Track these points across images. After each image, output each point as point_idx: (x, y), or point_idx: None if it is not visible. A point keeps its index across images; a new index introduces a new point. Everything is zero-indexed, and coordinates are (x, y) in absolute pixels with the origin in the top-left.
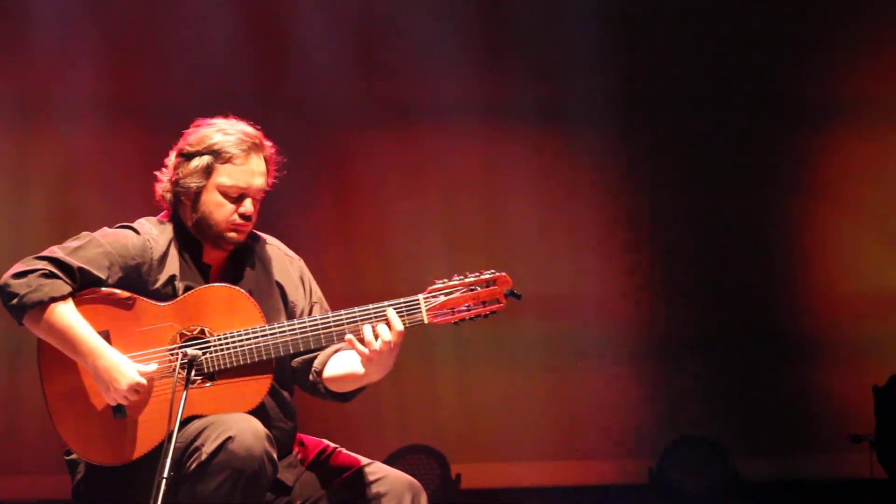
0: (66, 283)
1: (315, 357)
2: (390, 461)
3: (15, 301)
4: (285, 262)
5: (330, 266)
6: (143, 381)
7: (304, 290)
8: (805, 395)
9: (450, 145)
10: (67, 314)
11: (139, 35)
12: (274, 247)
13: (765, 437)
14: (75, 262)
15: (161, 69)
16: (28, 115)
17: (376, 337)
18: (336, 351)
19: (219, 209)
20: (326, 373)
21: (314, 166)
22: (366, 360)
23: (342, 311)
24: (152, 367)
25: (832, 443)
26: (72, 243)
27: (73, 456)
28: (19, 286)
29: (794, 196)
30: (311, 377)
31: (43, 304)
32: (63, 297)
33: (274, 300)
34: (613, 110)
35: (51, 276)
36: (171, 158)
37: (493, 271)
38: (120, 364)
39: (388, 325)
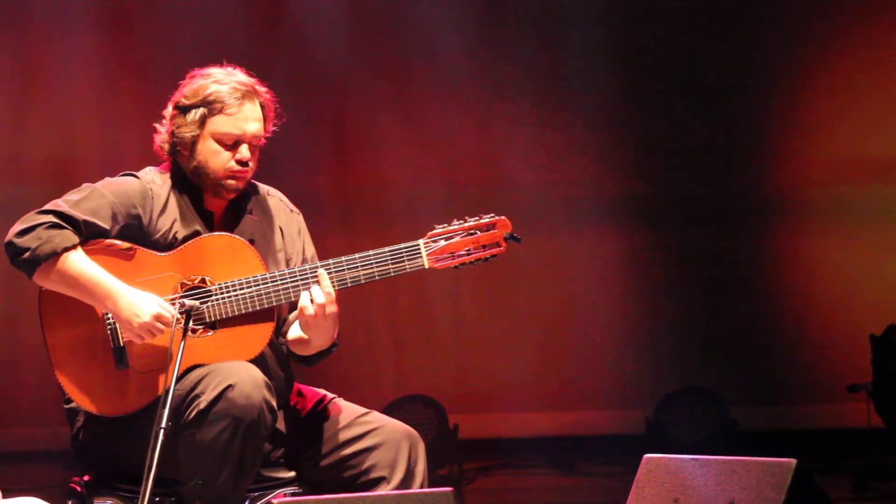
0: (74, 233)
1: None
2: (388, 411)
3: (27, 255)
4: (287, 213)
5: (327, 218)
6: (164, 312)
7: (300, 244)
8: (802, 344)
9: (447, 94)
10: (80, 261)
11: None
12: (276, 198)
13: (762, 388)
14: (80, 214)
15: (158, 22)
16: (25, 69)
17: (311, 302)
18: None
19: (215, 157)
20: (290, 335)
21: (312, 118)
22: (304, 325)
23: (342, 258)
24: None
25: (830, 392)
26: (73, 196)
27: (73, 404)
28: (28, 241)
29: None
30: (279, 338)
31: (56, 255)
32: (73, 247)
33: (276, 247)
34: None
35: (57, 227)
36: (168, 110)
37: (492, 215)
38: (141, 298)
39: (319, 287)
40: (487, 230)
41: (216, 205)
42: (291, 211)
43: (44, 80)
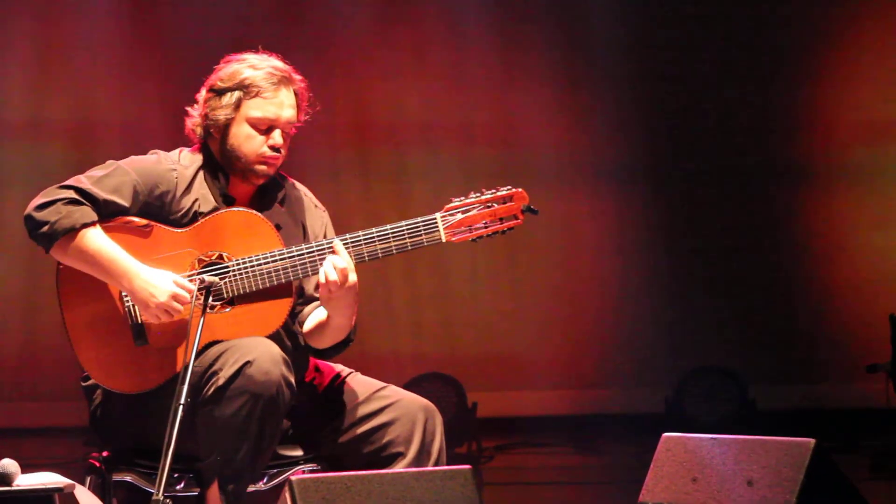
0: (93, 210)
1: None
2: (406, 389)
3: (45, 229)
4: (312, 209)
5: (347, 194)
6: (181, 291)
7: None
8: (821, 324)
9: (465, 63)
10: (98, 238)
11: None
12: (302, 192)
13: (782, 367)
14: (101, 193)
15: (179, 7)
16: (46, 34)
17: (334, 267)
18: (319, 306)
19: (248, 141)
20: (306, 326)
21: (331, 92)
22: (325, 299)
23: (360, 232)
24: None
25: (849, 373)
26: (97, 172)
27: (90, 382)
28: (47, 215)
29: None
30: (295, 326)
31: (74, 231)
32: (92, 223)
33: (298, 239)
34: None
35: (76, 202)
36: (202, 94)
37: (509, 187)
38: (156, 277)
39: (339, 256)
40: (505, 203)
41: (242, 191)
42: (316, 206)
43: (64, 44)
